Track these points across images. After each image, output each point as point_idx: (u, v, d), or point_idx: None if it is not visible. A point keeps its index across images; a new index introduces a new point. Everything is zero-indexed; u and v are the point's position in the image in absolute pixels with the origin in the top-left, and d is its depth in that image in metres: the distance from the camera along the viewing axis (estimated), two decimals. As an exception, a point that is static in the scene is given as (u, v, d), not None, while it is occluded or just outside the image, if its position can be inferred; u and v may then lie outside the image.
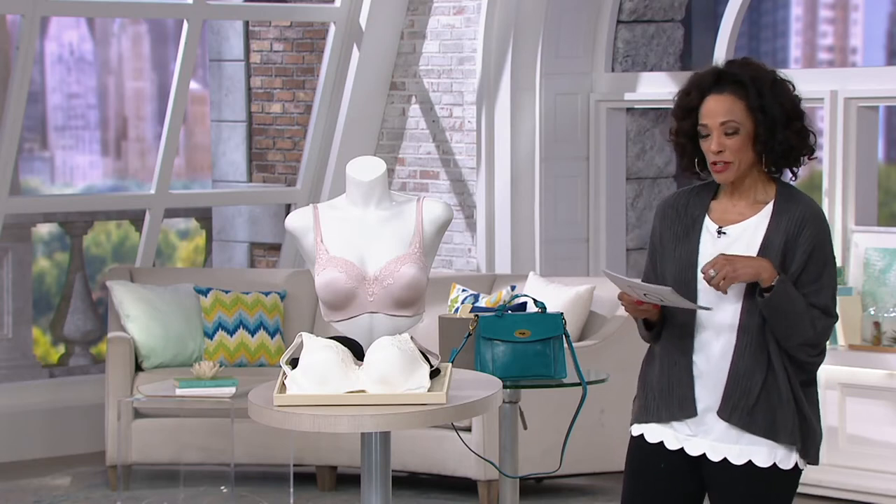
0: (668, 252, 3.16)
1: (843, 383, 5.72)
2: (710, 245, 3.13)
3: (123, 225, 9.14)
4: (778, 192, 3.14)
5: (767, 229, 3.10)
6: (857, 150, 5.98)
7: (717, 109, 3.09)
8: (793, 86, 3.15)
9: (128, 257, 12.69)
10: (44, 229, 10.98)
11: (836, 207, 5.96)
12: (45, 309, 10.83)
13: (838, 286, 5.78)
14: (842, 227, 5.94)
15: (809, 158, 3.17)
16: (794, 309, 3.06)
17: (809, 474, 5.69)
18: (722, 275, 3.02)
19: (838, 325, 5.77)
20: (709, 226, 3.14)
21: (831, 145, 5.99)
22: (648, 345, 3.23)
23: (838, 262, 5.92)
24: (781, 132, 3.09)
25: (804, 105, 3.18)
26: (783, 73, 3.17)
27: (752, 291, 3.09)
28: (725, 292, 3.04)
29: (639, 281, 3.13)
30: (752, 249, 3.10)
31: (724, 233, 3.12)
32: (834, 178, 5.98)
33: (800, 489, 6.07)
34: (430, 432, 5.70)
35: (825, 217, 3.15)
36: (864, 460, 5.68)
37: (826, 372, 5.70)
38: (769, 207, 3.13)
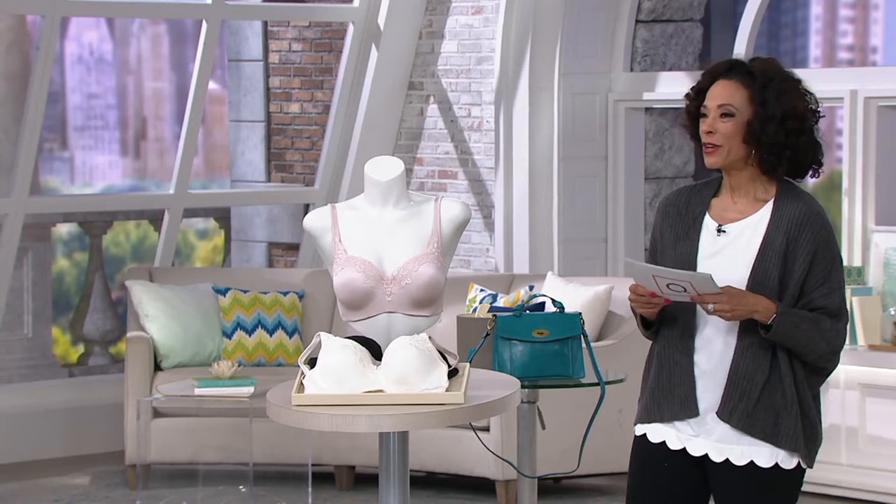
0: (668, 250, 3.16)
1: (862, 383, 5.70)
2: (710, 243, 3.12)
3: (142, 225, 9.18)
4: (779, 190, 3.13)
5: (767, 228, 3.09)
6: (876, 149, 5.96)
7: (720, 93, 3.11)
8: (813, 99, 3.13)
9: (147, 257, 12.72)
10: (63, 229, 11.01)
11: (855, 207, 5.94)
12: (64, 309, 10.87)
13: (857, 286, 5.80)
14: (862, 227, 5.92)
15: (815, 170, 3.14)
16: (800, 334, 3.05)
17: (829, 475, 5.69)
18: (720, 314, 3.01)
19: (858, 326, 5.75)
20: (709, 224, 3.13)
21: (851, 145, 5.97)
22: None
23: (858, 262, 5.91)
24: (773, 127, 3.07)
25: (821, 120, 3.16)
26: (807, 85, 3.14)
27: (753, 292, 3.07)
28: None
29: (665, 267, 3.07)
30: (752, 248, 3.09)
31: (724, 231, 3.11)
32: (854, 177, 5.96)
33: (819, 490, 6.05)
34: (449, 432, 5.70)
35: (827, 216, 3.13)
36: (884, 461, 5.66)
37: (846, 372, 5.69)
38: (769, 206, 3.12)
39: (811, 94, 3.14)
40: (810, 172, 3.14)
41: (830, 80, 6.07)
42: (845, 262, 5.96)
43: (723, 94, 3.10)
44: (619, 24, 6.68)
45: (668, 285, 3.05)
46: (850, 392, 5.70)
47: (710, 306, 3.03)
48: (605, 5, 6.64)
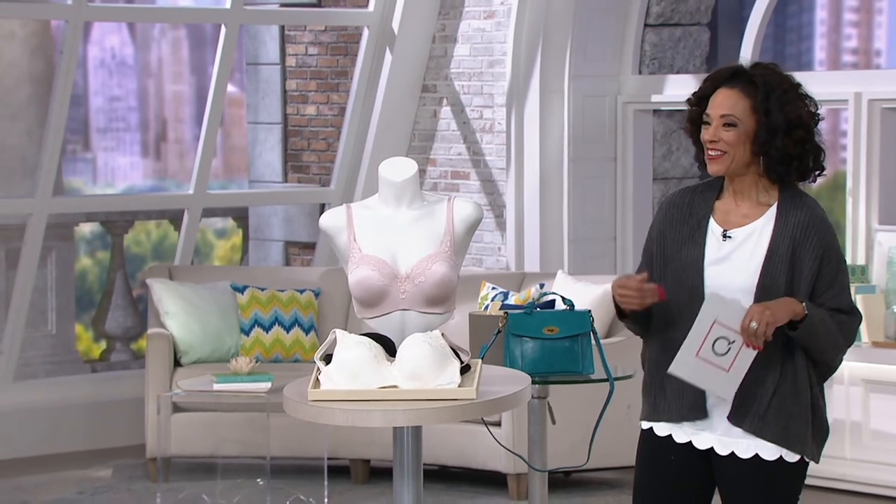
0: (673, 253, 3.13)
1: (866, 379, 5.69)
2: (716, 249, 3.10)
3: (163, 224, 9.19)
4: (781, 194, 3.10)
5: (773, 234, 3.07)
6: (880, 150, 5.94)
7: (722, 102, 3.08)
8: (812, 103, 3.10)
9: (167, 256, 12.73)
10: (86, 228, 11.03)
11: (859, 207, 5.92)
12: (87, 306, 10.89)
13: (861, 284, 5.79)
14: (865, 227, 5.91)
15: (816, 175, 3.12)
16: (825, 329, 3.04)
17: (833, 469, 5.68)
18: (764, 322, 2.98)
19: (862, 323, 5.73)
20: (714, 228, 3.11)
21: (855, 146, 5.96)
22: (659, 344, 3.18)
23: (862, 261, 5.90)
24: (780, 139, 3.05)
25: (821, 122, 3.13)
26: (807, 89, 3.12)
27: (764, 298, 3.05)
28: (770, 339, 3.00)
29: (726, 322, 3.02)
30: (758, 254, 3.07)
31: (730, 236, 3.09)
32: (858, 178, 5.94)
33: (824, 484, 6.03)
34: (461, 427, 5.70)
35: (828, 218, 3.11)
36: (887, 455, 5.64)
37: (850, 368, 5.68)
38: (773, 210, 3.09)
39: (811, 98, 3.12)
40: (812, 178, 3.13)
41: (835, 83, 6.05)
42: (849, 261, 5.94)
43: (725, 103, 3.08)
44: (627, 27, 6.67)
45: (714, 343, 3.00)
46: (854, 388, 5.69)
47: (753, 324, 2.97)
48: (614, 9, 6.64)
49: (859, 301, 5.71)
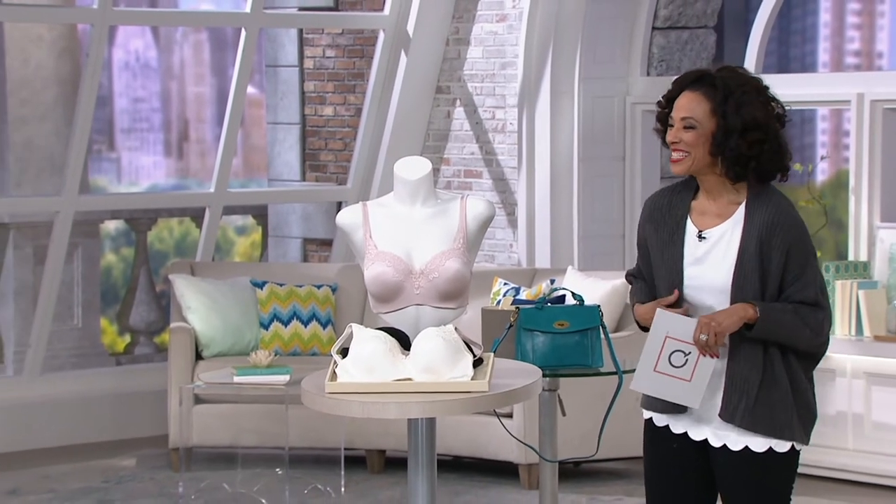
0: (657, 255, 3.15)
1: (868, 372, 5.68)
2: (693, 249, 3.11)
3: (185, 222, 9.20)
4: (749, 192, 3.10)
5: (742, 234, 3.07)
6: (882, 149, 5.93)
7: (684, 105, 3.11)
8: (779, 104, 3.09)
9: (189, 252, 12.75)
10: (111, 226, 11.05)
11: (862, 204, 5.91)
12: (112, 301, 10.91)
13: (863, 280, 5.77)
14: (868, 224, 5.90)
15: (782, 176, 3.11)
16: (783, 326, 3.04)
17: (836, 459, 5.67)
18: (712, 335, 3.01)
19: (864, 317, 5.73)
20: (690, 229, 3.12)
21: (858, 145, 5.94)
22: None
23: (864, 257, 5.88)
24: (735, 140, 3.05)
25: (788, 123, 3.12)
26: (773, 92, 3.11)
27: (739, 297, 3.06)
28: (724, 345, 3.04)
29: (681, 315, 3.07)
30: (731, 254, 3.07)
31: (705, 237, 3.10)
32: (860, 176, 5.93)
33: (827, 473, 6.02)
34: (474, 418, 5.70)
35: (797, 214, 3.09)
36: (888, 446, 5.63)
37: (852, 362, 5.67)
38: (741, 210, 3.09)
39: (776, 100, 3.10)
40: (778, 177, 3.12)
41: (838, 84, 6.03)
42: (852, 257, 5.93)
43: (686, 106, 3.10)
44: (636, 30, 6.66)
45: (670, 356, 3.04)
46: (856, 381, 5.68)
47: (703, 336, 3.02)
48: (623, 13, 6.63)
49: (861, 296, 5.70)
